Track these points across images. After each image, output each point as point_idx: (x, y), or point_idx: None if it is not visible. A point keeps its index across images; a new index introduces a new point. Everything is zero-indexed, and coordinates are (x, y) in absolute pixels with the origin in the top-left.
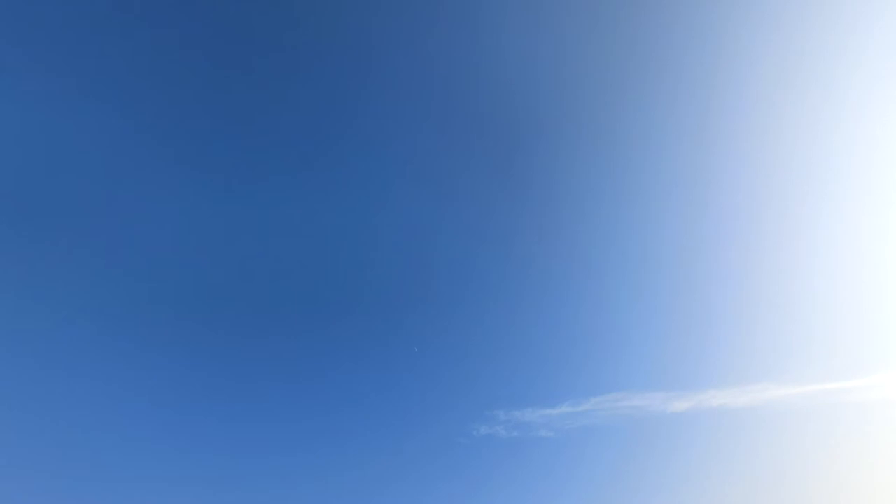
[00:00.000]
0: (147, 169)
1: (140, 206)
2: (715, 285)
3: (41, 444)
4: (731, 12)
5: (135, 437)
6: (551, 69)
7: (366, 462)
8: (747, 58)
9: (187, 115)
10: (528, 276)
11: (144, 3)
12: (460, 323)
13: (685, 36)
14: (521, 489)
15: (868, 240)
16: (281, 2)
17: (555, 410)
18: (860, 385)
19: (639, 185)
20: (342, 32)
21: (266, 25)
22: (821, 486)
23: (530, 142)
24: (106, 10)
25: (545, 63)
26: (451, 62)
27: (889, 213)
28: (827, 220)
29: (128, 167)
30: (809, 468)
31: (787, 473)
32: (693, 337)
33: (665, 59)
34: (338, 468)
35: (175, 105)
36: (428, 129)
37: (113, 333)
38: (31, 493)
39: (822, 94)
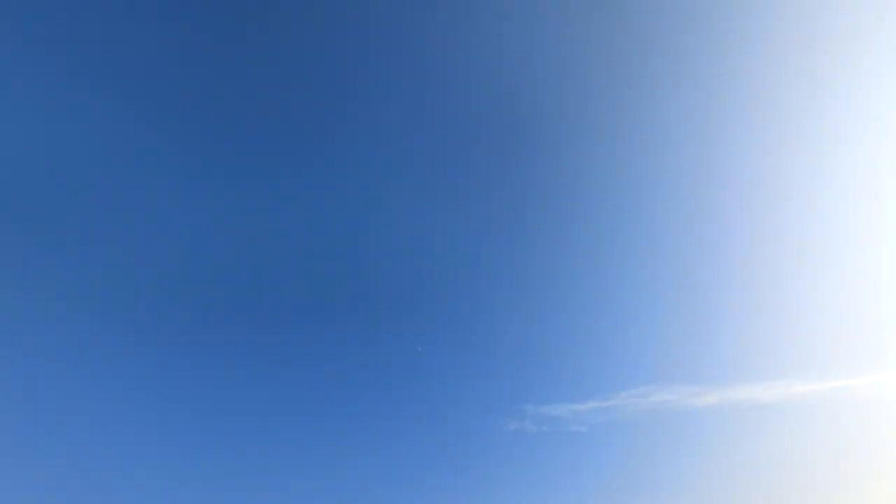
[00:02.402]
0: (149, 169)
1: (140, 205)
2: (743, 280)
3: (42, 443)
4: (736, 10)
5: (141, 436)
6: (554, 67)
7: (394, 458)
8: (752, 56)
9: (188, 114)
10: (553, 273)
11: (145, 3)
12: (487, 320)
13: (689, 33)
14: (551, 483)
15: None
16: (279, 1)
17: (584, 405)
18: (890, 379)
19: (649, 180)
20: (342, 31)
21: (265, 24)
22: (849, 479)
23: (536, 138)
24: (107, 10)
25: (548, 61)
26: (453, 60)
27: None
28: (852, 214)
29: (128, 167)
30: (837, 463)
31: (815, 468)
32: (722, 331)
33: (669, 56)
34: (366, 464)
35: (176, 103)
36: (434, 128)
37: (114, 332)
38: (33, 492)
39: (825, 93)
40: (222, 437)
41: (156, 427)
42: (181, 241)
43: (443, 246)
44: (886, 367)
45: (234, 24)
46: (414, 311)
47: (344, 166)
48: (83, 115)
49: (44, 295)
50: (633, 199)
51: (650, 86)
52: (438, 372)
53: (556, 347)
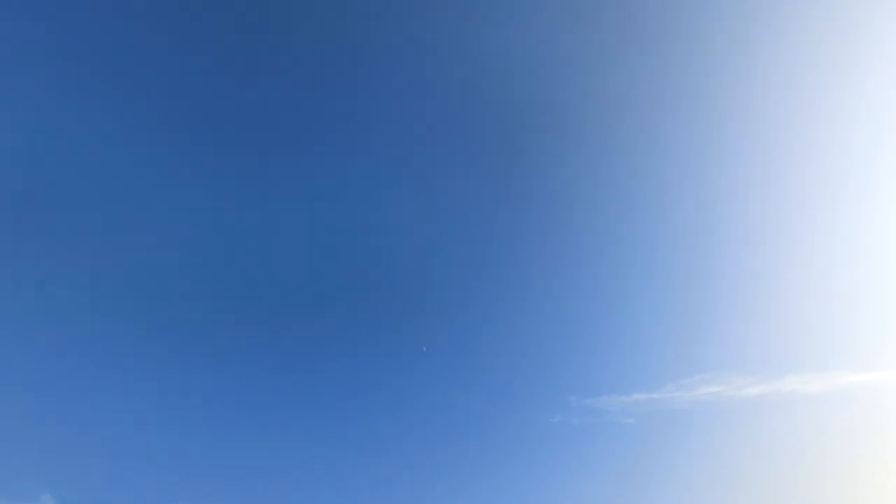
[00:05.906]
0: (152, 168)
1: (143, 205)
2: (790, 270)
3: (42, 442)
4: (737, 11)
5: (142, 435)
6: (554, 68)
7: (440, 451)
8: (753, 57)
9: (192, 114)
10: (595, 266)
11: (146, 3)
12: (530, 313)
13: (689, 35)
14: (595, 474)
15: None
16: (280, 2)
17: (628, 397)
18: None
19: (679, 177)
20: (343, 31)
21: (267, 25)
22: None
23: (540, 139)
24: (109, 9)
25: (548, 62)
26: (456, 61)
27: None
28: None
29: (131, 166)
30: (884, 452)
31: (866, 457)
32: (765, 322)
33: (669, 58)
34: (414, 457)
35: (181, 103)
36: (442, 128)
37: (116, 331)
38: (35, 491)
39: (826, 93)
40: (242, 435)
41: (159, 425)
42: (185, 241)
43: (482, 242)
44: None
45: (234, 23)
46: (450, 309)
47: (349, 166)
48: (86, 115)
49: (46, 294)
50: (665, 196)
51: (651, 85)
52: (482, 366)
53: (599, 340)
